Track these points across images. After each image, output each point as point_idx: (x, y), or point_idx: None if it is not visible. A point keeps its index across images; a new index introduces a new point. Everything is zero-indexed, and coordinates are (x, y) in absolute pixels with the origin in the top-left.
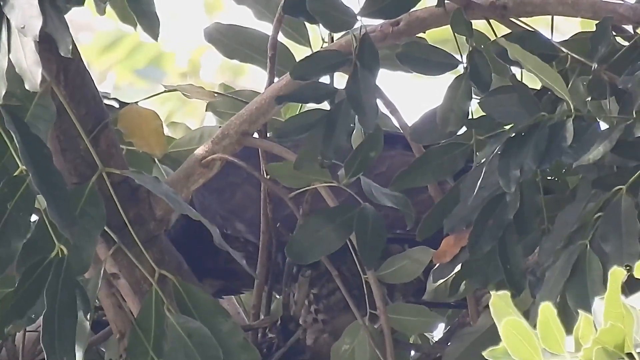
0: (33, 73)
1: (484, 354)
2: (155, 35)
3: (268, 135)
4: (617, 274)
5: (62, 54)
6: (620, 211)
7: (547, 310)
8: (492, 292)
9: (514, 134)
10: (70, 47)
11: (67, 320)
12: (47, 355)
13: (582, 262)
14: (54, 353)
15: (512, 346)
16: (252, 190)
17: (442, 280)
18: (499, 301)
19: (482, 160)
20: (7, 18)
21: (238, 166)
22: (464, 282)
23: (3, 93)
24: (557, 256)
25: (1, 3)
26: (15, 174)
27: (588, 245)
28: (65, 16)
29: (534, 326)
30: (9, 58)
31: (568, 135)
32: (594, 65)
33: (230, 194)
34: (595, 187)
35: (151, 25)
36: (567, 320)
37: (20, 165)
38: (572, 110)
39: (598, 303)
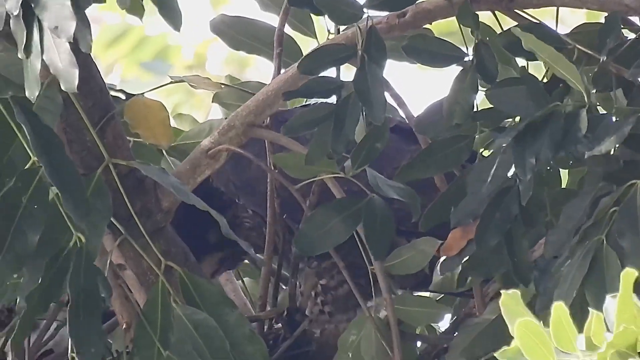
0: (70, 74)
1: (496, 355)
2: (177, 26)
3: None
4: (629, 275)
5: (82, 50)
6: (636, 205)
7: (559, 309)
8: (503, 291)
9: (527, 123)
10: (91, 44)
11: (92, 309)
12: (77, 349)
13: (599, 258)
14: (82, 345)
15: (525, 347)
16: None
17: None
18: (510, 300)
19: (491, 154)
20: (39, 19)
21: (255, 139)
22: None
23: (36, 94)
24: (573, 252)
25: (32, 4)
26: (27, 167)
27: (604, 241)
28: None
29: (542, 321)
30: (42, 59)
31: (582, 126)
32: (602, 59)
33: (246, 164)
34: (607, 181)
35: (173, 16)
36: (584, 318)
37: (32, 156)
38: (586, 101)
39: (610, 301)
